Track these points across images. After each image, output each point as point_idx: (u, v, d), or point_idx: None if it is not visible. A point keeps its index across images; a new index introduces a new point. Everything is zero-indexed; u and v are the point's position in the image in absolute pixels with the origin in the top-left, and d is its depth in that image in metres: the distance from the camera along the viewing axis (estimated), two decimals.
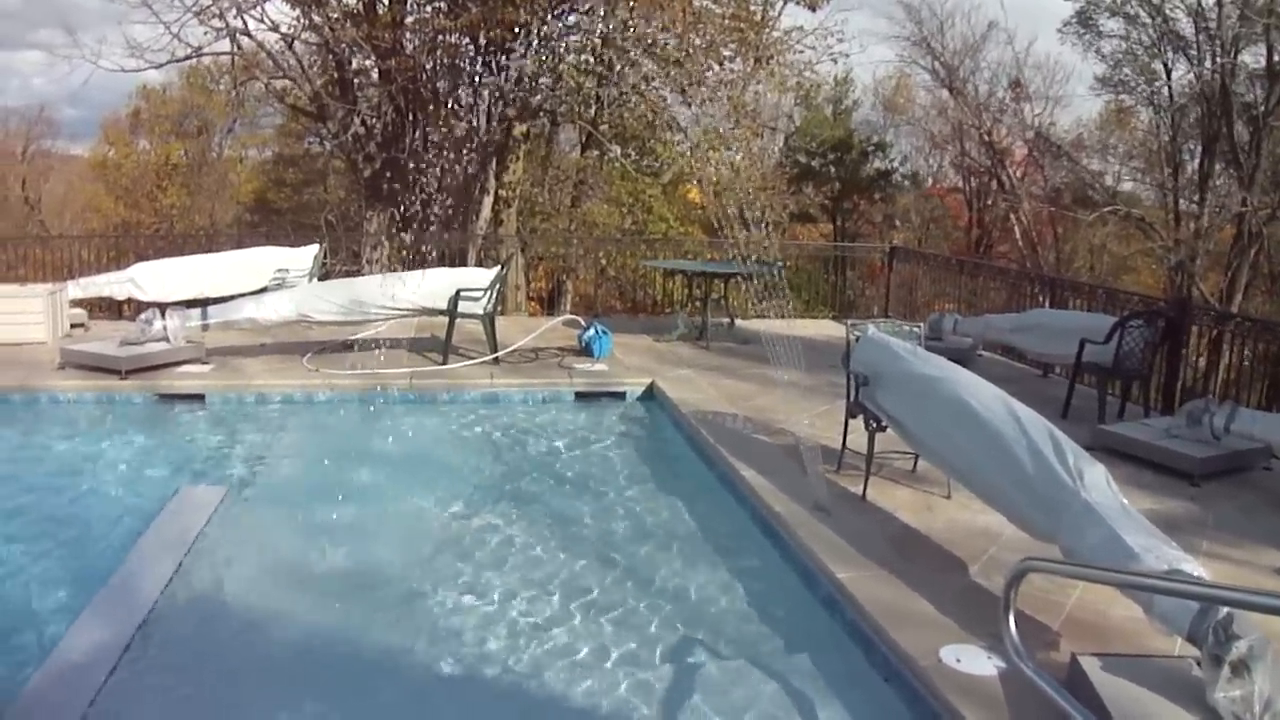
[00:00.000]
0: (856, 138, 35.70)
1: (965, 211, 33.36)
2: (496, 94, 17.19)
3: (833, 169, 35.02)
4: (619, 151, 21.76)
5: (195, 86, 30.34)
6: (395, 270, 14.18)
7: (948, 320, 10.23)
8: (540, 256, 20.57)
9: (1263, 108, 20.55)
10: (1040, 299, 11.20)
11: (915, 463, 6.85)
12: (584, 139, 22.62)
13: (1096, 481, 4.56)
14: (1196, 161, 23.08)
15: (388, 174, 19.01)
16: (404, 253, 15.38)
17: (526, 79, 16.61)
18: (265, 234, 18.87)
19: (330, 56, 18.25)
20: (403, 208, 19.98)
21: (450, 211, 19.67)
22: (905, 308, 14.17)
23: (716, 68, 16.33)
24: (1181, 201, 23.38)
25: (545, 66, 17.32)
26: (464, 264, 14.91)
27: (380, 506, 6.75)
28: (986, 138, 27.16)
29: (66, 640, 4.59)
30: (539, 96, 17.66)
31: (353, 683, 4.53)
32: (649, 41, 16.21)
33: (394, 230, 18.40)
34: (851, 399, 6.47)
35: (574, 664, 4.69)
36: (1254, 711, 3.45)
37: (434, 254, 14.10)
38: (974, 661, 4.22)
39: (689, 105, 16.73)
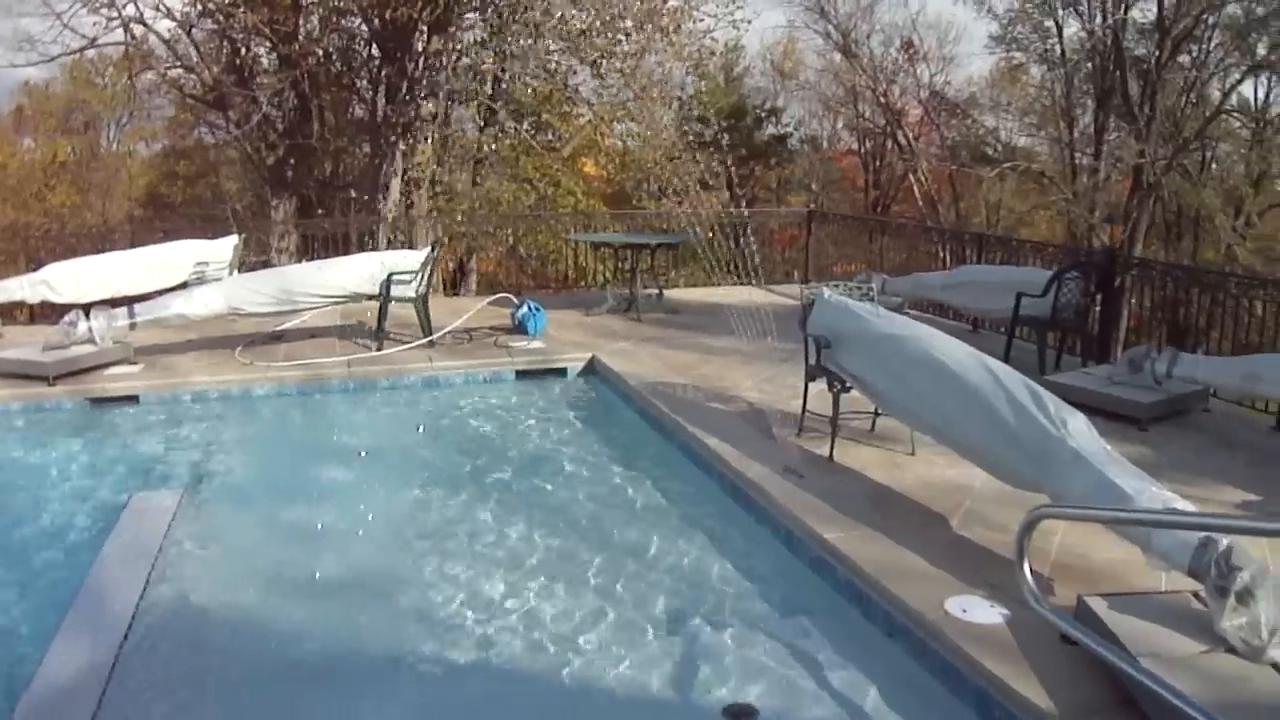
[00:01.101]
0: (749, 104, 35.87)
1: (861, 173, 33.81)
2: (401, 75, 16.94)
3: (727, 136, 35.14)
4: (524, 126, 21.58)
5: (79, 81, 29.32)
6: (307, 259, 13.93)
7: (876, 280, 10.36)
8: (449, 237, 20.33)
9: (1154, 61, 21.15)
10: (942, 256, 11.45)
11: (874, 422, 6.95)
12: (483, 117, 22.37)
13: (1080, 429, 4.68)
14: (1091, 116, 23.69)
15: (291, 160, 18.68)
16: (312, 240, 15.07)
17: (431, 57, 16.35)
18: (164, 229, 18.29)
19: (226, 44, 17.82)
20: (308, 194, 19.71)
21: (358, 195, 19.44)
22: (816, 271, 14.31)
23: (624, 39, 16.22)
24: (1077, 155, 23.97)
25: (448, 45, 17.09)
26: (375, 247, 14.64)
27: (345, 499, 6.61)
28: (882, 99, 27.52)
29: (45, 666, 4.36)
30: (442, 75, 17.41)
31: (357, 680, 4.47)
32: (556, 16, 16.10)
33: (301, 217, 18.10)
34: (812, 362, 6.52)
35: (569, 641, 4.68)
36: (1261, 636, 3.58)
37: (345, 239, 13.79)
38: (979, 611, 4.32)
39: (601, 78, 16.60)
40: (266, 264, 14.50)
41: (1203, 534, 3.89)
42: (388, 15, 15.63)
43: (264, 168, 18.99)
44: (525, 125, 21.78)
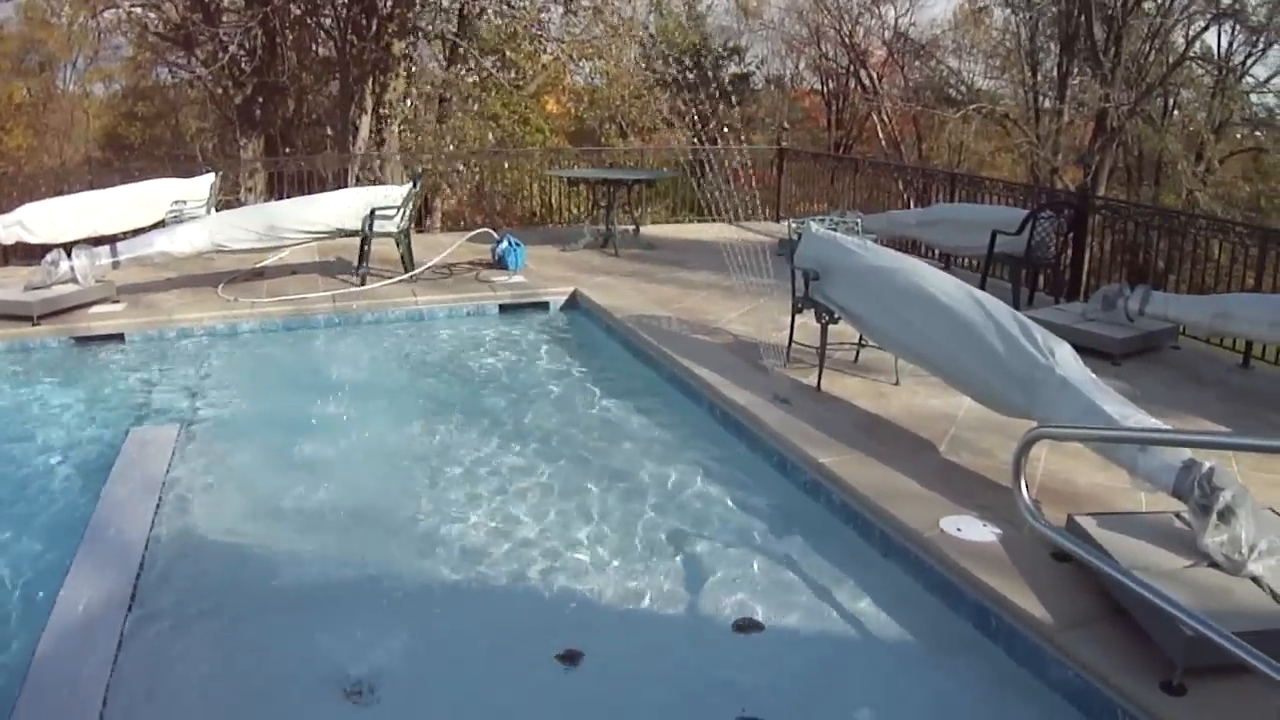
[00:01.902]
0: (712, 43, 35.71)
1: (824, 113, 33.82)
2: (371, 12, 16.79)
3: (689, 75, 35.00)
4: (490, 63, 21.44)
5: (35, 21, 28.65)
6: (275, 197, 13.88)
7: (850, 217, 10.51)
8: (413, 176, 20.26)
9: (1120, 6, 21.32)
10: (905, 195, 11.65)
11: (857, 353, 7.15)
12: (448, 53, 22.18)
13: (1067, 358, 4.89)
14: (1054, 60, 23.88)
15: (259, 99, 18.51)
16: (279, 178, 14.99)
17: None
18: (131, 170, 18.02)
19: None
20: (273, 133, 19.55)
21: (327, 134, 19.33)
22: (786, 209, 14.45)
23: None
24: (1040, 99, 24.18)
25: None
26: (345, 185, 14.59)
27: (342, 431, 6.73)
28: (847, 40, 27.54)
29: (62, 602, 4.37)
30: (413, 12, 17.28)
31: (374, 602, 4.58)
32: None
33: (268, 155, 17.98)
34: (800, 294, 6.68)
35: (575, 566, 4.83)
36: (1242, 551, 3.81)
37: (313, 177, 13.73)
38: (973, 529, 4.53)
39: (574, 14, 16.52)
40: (238, 202, 14.46)
41: (1187, 457, 4.12)
42: None
43: (231, 106, 18.80)
44: (490, 62, 21.66)
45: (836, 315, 6.43)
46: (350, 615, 4.47)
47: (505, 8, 18.24)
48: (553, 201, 17.10)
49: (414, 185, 10.36)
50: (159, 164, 20.54)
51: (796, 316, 7.01)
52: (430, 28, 19.31)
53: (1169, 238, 9.40)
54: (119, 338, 8.53)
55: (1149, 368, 7.23)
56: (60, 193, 12.15)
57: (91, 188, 12.10)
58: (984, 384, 5.25)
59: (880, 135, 28.09)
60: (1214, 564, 3.85)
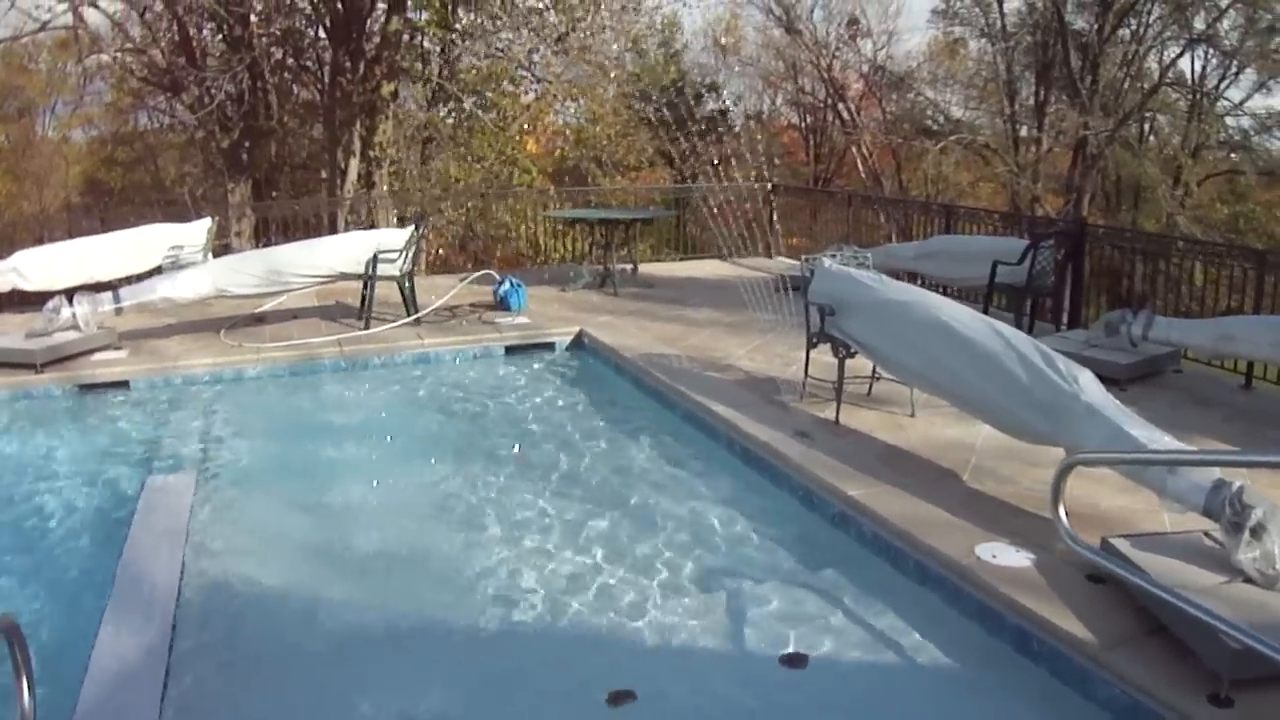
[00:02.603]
0: (690, 80, 36.06)
1: (802, 148, 34.16)
2: (358, 56, 16.97)
3: (667, 112, 35.35)
4: (471, 103, 21.62)
5: (14, 67, 28.71)
6: (264, 242, 13.97)
7: (847, 251, 10.67)
8: (402, 217, 20.38)
9: (1097, 34, 21.72)
10: (886, 228, 11.84)
11: (871, 387, 7.27)
12: (430, 95, 22.36)
13: (1090, 384, 5.02)
14: (1030, 89, 24.27)
15: (246, 143, 18.62)
16: (268, 223, 15.09)
17: (391, 36, 16.40)
18: (120, 215, 18.04)
19: (177, 26, 17.71)
20: (258, 177, 19.65)
21: (313, 177, 19.44)
22: (779, 245, 14.61)
23: (585, 16, 16.40)
24: (1018, 127, 24.54)
25: (405, 25, 17.15)
26: (334, 229, 14.66)
27: (363, 476, 6.75)
28: (825, 74, 27.89)
29: (99, 654, 4.33)
30: (400, 54, 17.47)
31: (418, 646, 4.63)
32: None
33: (254, 199, 18.06)
34: (816, 329, 6.80)
35: (615, 605, 4.87)
36: (1275, 566, 3.94)
37: (302, 221, 13.82)
38: (1007, 555, 4.64)
39: (565, 54, 16.73)
40: (226, 248, 14.51)
41: (1216, 476, 4.24)
42: None
43: (218, 151, 18.91)
44: (469, 103, 21.84)
45: (853, 349, 6.55)
46: (396, 660, 4.50)
47: (489, 49, 18.42)
48: (541, 242, 17.22)
49: (416, 228, 10.45)
50: (144, 209, 20.58)
51: (811, 351, 7.12)
52: (414, 69, 19.52)
53: (1152, 262, 9.58)
54: (124, 385, 8.50)
55: (1154, 391, 7.37)
56: (41, 240, 12.12)
57: (71, 234, 12.06)
58: (1007, 412, 5.37)
59: (860, 168, 28.38)
60: (1248, 579, 3.97)
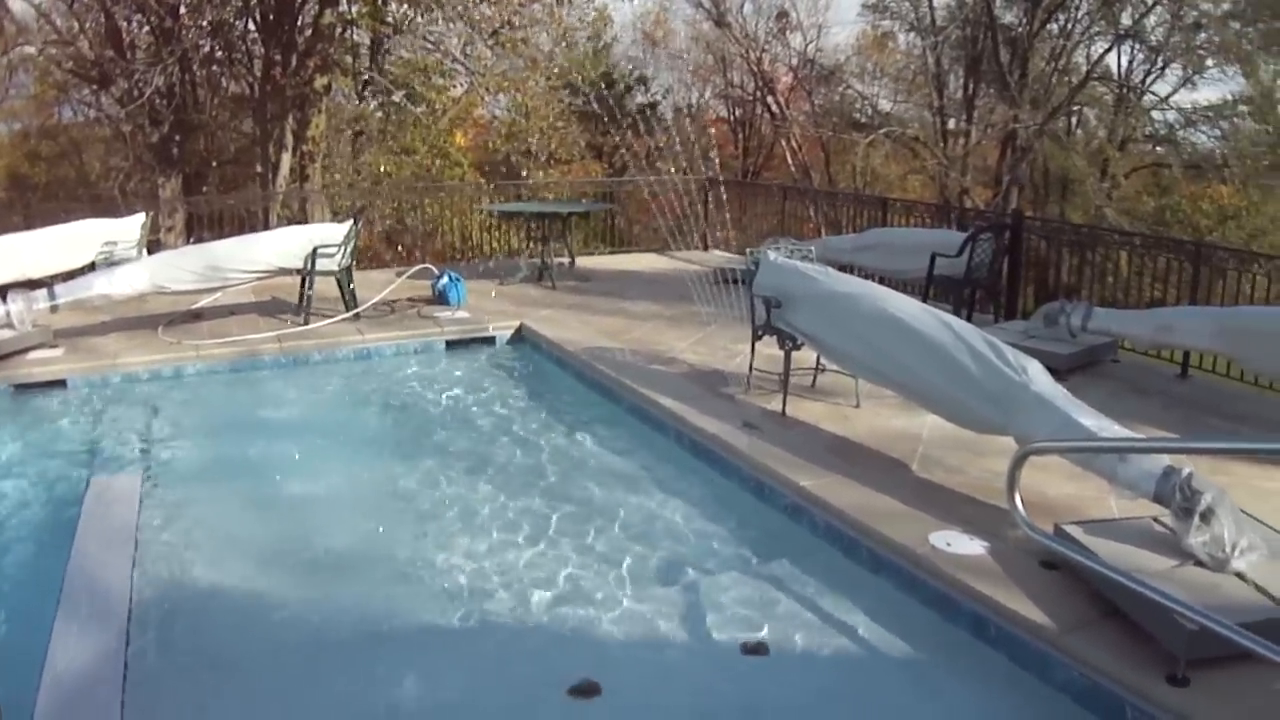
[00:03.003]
0: (618, 73, 36.03)
1: (730, 141, 34.26)
2: (290, 49, 16.74)
3: (595, 106, 35.28)
4: (400, 96, 21.43)
5: None
6: (195, 237, 13.73)
7: (789, 244, 10.73)
8: (339, 210, 20.16)
9: (1027, 29, 22.07)
10: (815, 221, 11.96)
11: (814, 378, 7.32)
12: (360, 88, 22.14)
13: (1038, 374, 5.09)
14: (961, 82, 24.60)
15: (176, 137, 18.29)
16: (200, 218, 14.83)
17: (325, 29, 16.19)
18: (47, 210, 17.62)
19: (104, 17, 17.35)
20: (188, 171, 19.33)
21: (245, 171, 19.14)
22: (714, 238, 14.67)
23: (521, 10, 16.32)
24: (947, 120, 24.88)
25: (338, 18, 16.94)
26: (267, 224, 14.46)
27: (309, 473, 6.66)
28: (755, 68, 28.01)
29: (53, 660, 4.20)
30: (333, 47, 17.26)
31: (379, 643, 4.58)
32: None
33: (185, 194, 17.76)
34: (762, 321, 6.83)
35: (572, 599, 4.87)
36: (1224, 550, 4.03)
37: (234, 216, 13.62)
38: (961, 543, 4.70)
39: (503, 47, 16.64)
40: (157, 243, 14.22)
41: (1166, 464, 4.33)
42: None
43: (146, 146, 18.55)
44: (399, 96, 21.65)
45: (799, 341, 6.58)
46: (357, 658, 4.45)
47: (422, 41, 18.27)
48: (473, 236, 17.11)
49: (355, 222, 10.33)
50: (72, 205, 20.20)
51: (756, 344, 7.15)
52: (343, 62, 19.31)
53: (1079, 253, 9.77)
54: (61, 384, 8.28)
55: (1093, 381, 7.50)
56: None
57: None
58: (957, 403, 5.43)
59: (790, 161, 28.55)
60: (1199, 563, 4.05)
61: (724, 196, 14.51)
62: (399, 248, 19.40)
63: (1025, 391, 4.99)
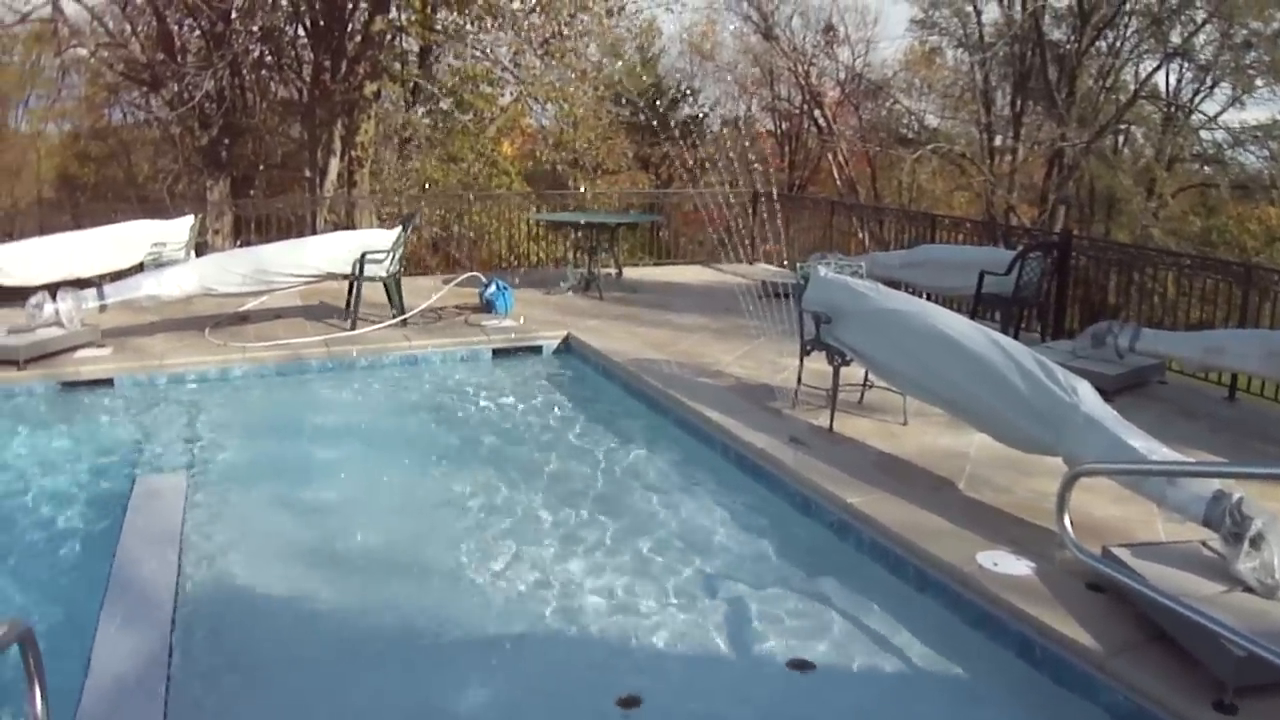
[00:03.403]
0: (666, 85, 36.13)
1: (778, 154, 34.24)
2: (340, 54, 16.93)
3: (643, 117, 35.43)
4: (449, 104, 21.61)
5: None
6: (242, 240, 13.91)
7: (840, 259, 10.75)
8: (385, 216, 20.33)
9: (1076, 46, 21.97)
10: (861, 236, 11.92)
11: (862, 395, 7.34)
12: (410, 95, 22.34)
13: (1089, 395, 5.10)
14: (1009, 99, 24.50)
15: (225, 140, 18.53)
16: (247, 221, 15.02)
17: (376, 36, 16.37)
18: (98, 211, 17.83)
19: (156, 21, 17.63)
20: (236, 175, 19.56)
21: (293, 175, 19.34)
22: (762, 252, 14.67)
23: (572, 19, 16.43)
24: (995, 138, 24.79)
25: (388, 24, 17.12)
26: (313, 228, 14.59)
27: (355, 478, 6.73)
28: (802, 81, 28.02)
29: (98, 659, 4.20)
30: (383, 54, 17.45)
31: (426, 650, 4.63)
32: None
33: (233, 198, 17.97)
34: (811, 336, 6.86)
35: (620, 610, 4.90)
36: (1274, 576, 4.03)
37: (281, 220, 13.78)
38: (1009, 563, 4.71)
39: (554, 56, 16.75)
40: (204, 245, 14.41)
41: (1216, 488, 4.33)
42: None
43: (195, 149, 18.81)
44: (448, 104, 21.84)
45: (848, 357, 6.61)
46: (403, 664, 4.51)
47: (472, 50, 18.43)
48: (520, 245, 17.19)
49: (405, 229, 10.42)
50: (121, 206, 20.43)
51: (804, 359, 7.18)
52: (392, 69, 19.50)
53: (1127, 274, 9.74)
54: (108, 383, 8.40)
55: (1141, 403, 7.47)
56: (11, 235, 11.93)
57: (43, 230, 11.87)
58: (1006, 422, 5.44)
59: (836, 176, 28.52)
60: (1248, 588, 4.06)
61: (776, 209, 14.49)
62: (448, 255, 19.52)
63: (1075, 412, 5.00)
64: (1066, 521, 4.21)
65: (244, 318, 10.21)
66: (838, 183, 28.86)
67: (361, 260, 9.79)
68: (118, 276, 10.09)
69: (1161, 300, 10.12)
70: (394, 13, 17.30)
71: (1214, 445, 6.58)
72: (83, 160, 30.88)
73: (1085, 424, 4.93)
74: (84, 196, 28.66)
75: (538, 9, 16.51)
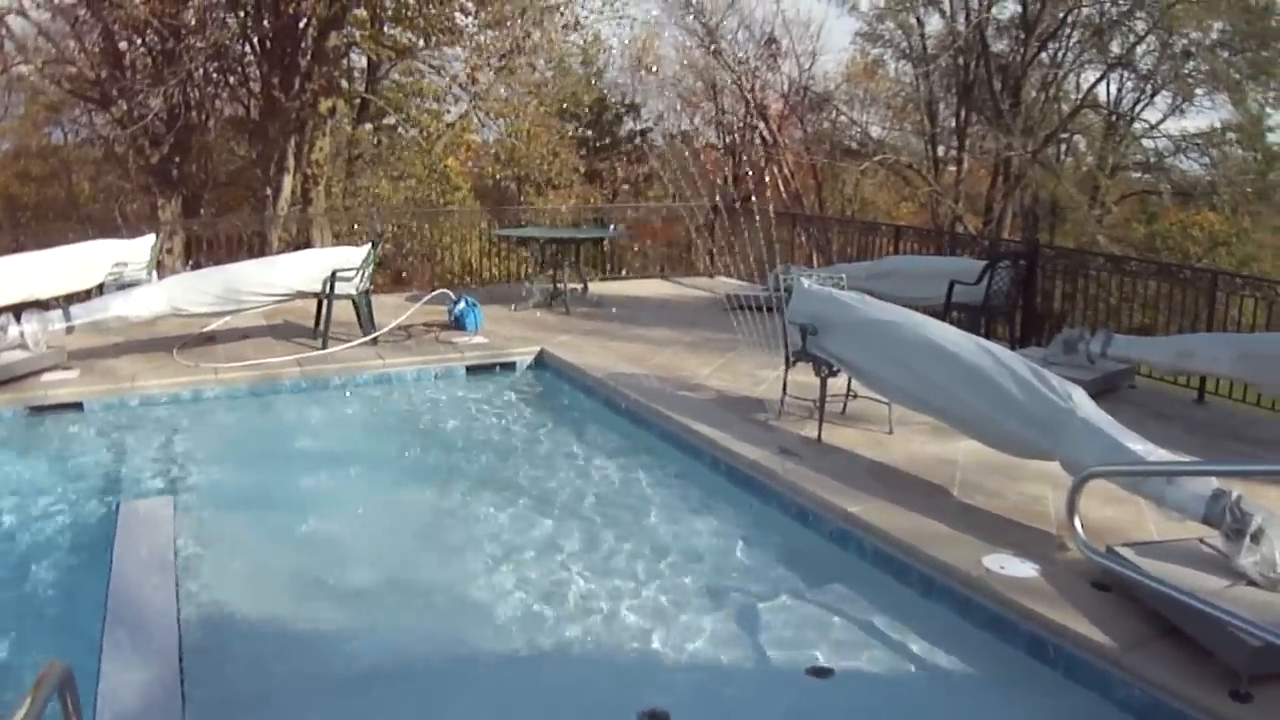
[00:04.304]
0: (610, 100, 36.24)
1: (721, 168, 34.43)
2: (292, 71, 16.85)
3: (589, 132, 35.51)
4: (397, 119, 21.54)
5: None
6: (193, 261, 13.79)
7: (795, 270, 10.89)
8: (340, 234, 20.23)
9: (1020, 58, 22.42)
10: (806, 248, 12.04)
11: (845, 405, 7.45)
12: (356, 113, 22.22)
13: (1083, 400, 5.25)
14: (954, 110, 24.92)
15: (176, 159, 18.36)
16: (199, 241, 14.89)
17: (330, 53, 16.32)
18: (44, 232, 17.55)
19: (104, 38, 17.44)
20: (186, 193, 19.37)
21: (245, 193, 19.18)
22: (722, 265, 14.79)
23: (526, 36, 16.49)
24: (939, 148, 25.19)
25: (342, 40, 17.07)
26: (265, 247, 14.47)
27: (343, 500, 6.68)
28: (748, 94, 28.25)
29: (106, 689, 4.08)
30: (337, 70, 17.39)
31: (439, 674, 4.61)
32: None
33: (184, 217, 17.81)
34: (797, 348, 6.95)
35: (630, 627, 4.93)
36: (1276, 569, 4.20)
37: (234, 239, 13.68)
38: (1015, 566, 4.83)
39: (511, 72, 16.79)
40: (159, 266, 14.25)
41: (1215, 486, 4.49)
42: (281, 8, 15.53)
43: (144, 167, 18.59)
44: (396, 119, 21.77)
45: (835, 368, 6.72)
46: (419, 688, 4.49)
47: (426, 65, 18.43)
48: (474, 261, 17.17)
49: (373, 246, 10.37)
50: (75, 226, 20.12)
51: (789, 370, 7.28)
52: (341, 85, 19.43)
53: (1072, 281, 9.99)
54: (77, 406, 8.21)
55: (1113, 407, 7.49)
56: None
57: None
58: (1000, 428, 5.56)
59: (782, 189, 28.76)
60: (1251, 582, 4.20)
61: (741, 222, 14.63)
62: (398, 272, 19.46)
63: (1072, 417, 5.14)
64: (1077, 522, 4.34)
65: (211, 338, 10.07)
66: (783, 195, 29.10)
67: (332, 279, 9.73)
68: (75, 298, 9.93)
69: (1129, 306, 10.33)
70: (347, 29, 17.25)
71: (1190, 446, 6.74)
72: (23, 180, 30.32)
73: (1083, 428, 5.07)
74: (24, 217, 28.12)
75: (493, 25, 16.52)
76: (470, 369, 9.53)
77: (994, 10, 22.97)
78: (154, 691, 4.14)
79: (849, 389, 7.38)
